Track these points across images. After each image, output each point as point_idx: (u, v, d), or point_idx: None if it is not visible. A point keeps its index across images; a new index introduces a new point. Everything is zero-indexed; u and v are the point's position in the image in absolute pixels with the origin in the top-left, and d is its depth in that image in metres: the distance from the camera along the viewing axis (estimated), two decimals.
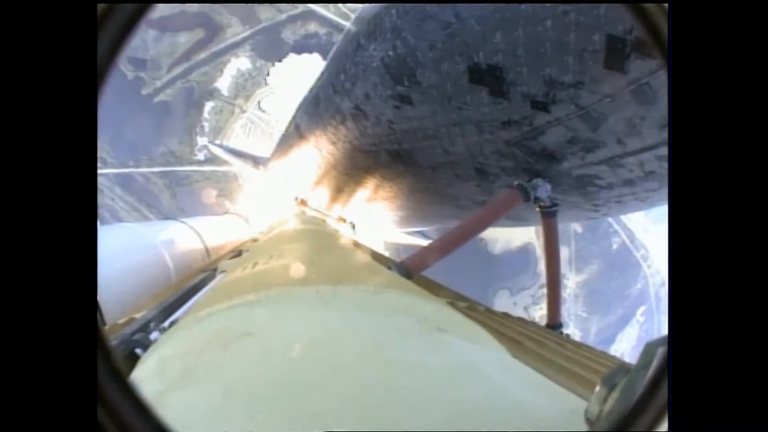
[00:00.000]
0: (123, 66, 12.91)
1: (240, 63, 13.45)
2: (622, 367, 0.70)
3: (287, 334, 1.17)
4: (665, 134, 3.16)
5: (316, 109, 6.14)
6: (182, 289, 2.44)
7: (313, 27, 13.28)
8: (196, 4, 12.82)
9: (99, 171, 13.14)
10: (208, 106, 13.65)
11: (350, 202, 8.08)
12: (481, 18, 3.24)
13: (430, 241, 5.20)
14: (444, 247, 3.90)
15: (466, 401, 0.86)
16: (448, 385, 0.92)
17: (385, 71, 4.17)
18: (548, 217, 4.43)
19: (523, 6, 2.98)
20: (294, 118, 7.49)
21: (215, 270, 2.97)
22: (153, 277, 4.20)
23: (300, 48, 13.29)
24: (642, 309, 15.32)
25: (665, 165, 3.45)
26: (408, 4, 3.61)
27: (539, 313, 14.35)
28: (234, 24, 13.21)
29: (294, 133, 7.62)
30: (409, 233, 11.76)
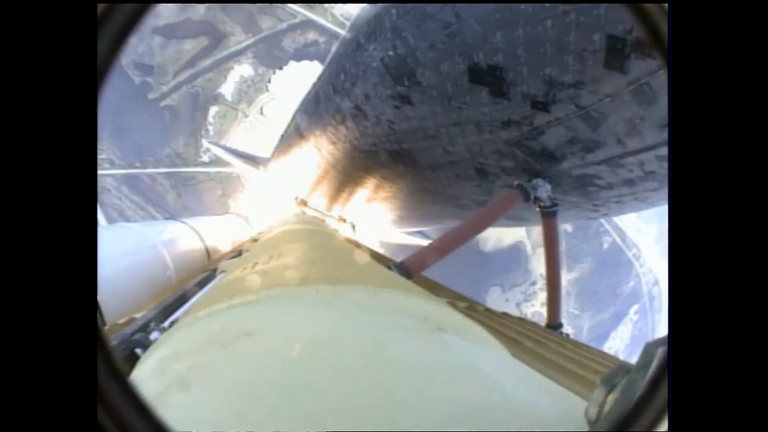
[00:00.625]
0: (130, 71, 13.17)
1: (243, 70, 13.77)
2: (622, 367, 0.70)
3: (287, 334, 1.17)
4: (665, 134, 3.16)
5: (316, 109, 6.14)
6: (182, 289, 2.44)
7: (312, 36, 13.50)
8: (200, 13, 13.05)
9: (107, 171, 13.41)
10: (213, 110, 14.01)
11: (350, 202, 8.08)
12: (481, 18, 3.24)
13: (430, 241, 5.20)
14: (444, 247, 3.90)
15: (466, 401, 0.86)
16: (448, 385, 0.92)
17: (385, 71, 4.17)
18: (548, 217, 4.44)
19: (523, 6, 2.98)
20: (294, 118, 7.49)
21: (215, 270, 2.97)
22: (153, 277, 4.20)
23: (300, 56, 13.55)
24: (635, 307, 15.42)
25: (665, 165, 3.45)
26: (408, 4, 3.61)
27: (531, 310, 14.56)
28: (237, 32, 13.48)
29: (294, 133, 7.62)
30: (409, 233, 11.76)
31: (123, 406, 0.56)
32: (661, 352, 0.65)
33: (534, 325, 3.42)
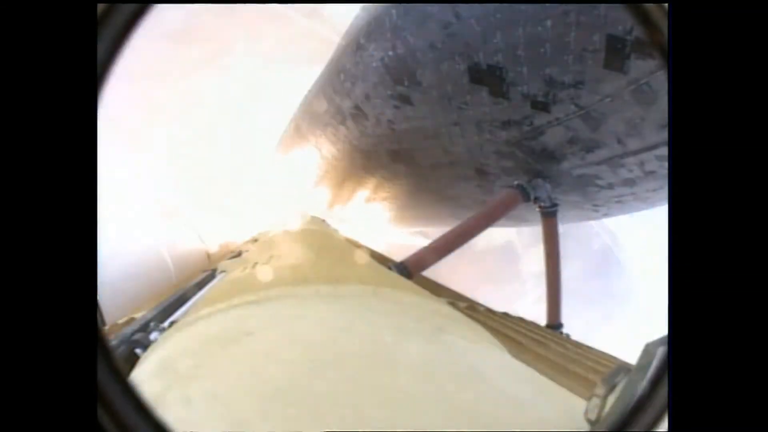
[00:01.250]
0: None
1: None
2: (622, 367, 0.70)
3: (287, 334, 1.17)
4: (665, 134, 3.16)
5: (316, 110, 6.14)
6: (182, 289, 2.44)
7: None
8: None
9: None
10: None
11: (350, 202, 8.07)
12: (481, 18, 3.24)
13: (430, 241, 5.19)
14: (444, 247, 3.90)
15: (466, 401, 0.86)
16: (448, 385, 0.92)
17: (385, 71, 4.17)
18: (548, 217, 4.44)
19: (523, 6, 2.98)
20: (294, 118, 7.49)
21: (215, 270, 2.97)
22: (153, 277, 4.20)
23: None
24: (627, 307, 15.50)
25: (665, 165, 3.45)
26: (408, 4, 3.61)
27: (520, 305, 14.70)
28: None
29: (294, 134, 7.62)
30: (409, 233, 11.75)
31: (123, 406, 0.56)
32: (661, 352, 0.65)
33: (534, 325, 3.42)
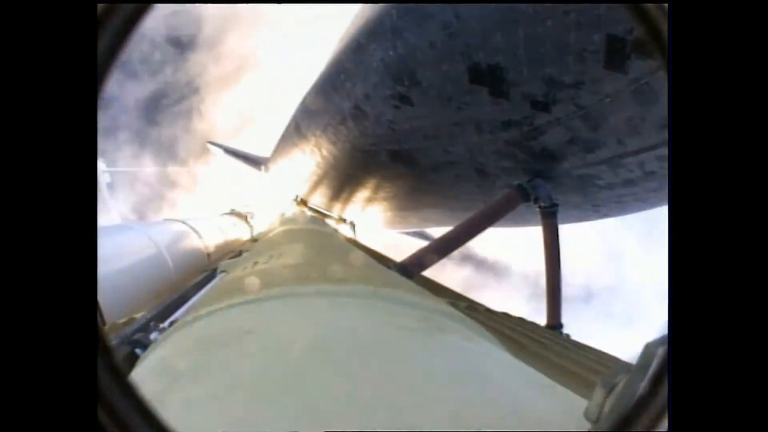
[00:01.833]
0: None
1: None
2: (622, 367, 0.70)
3: (287, 334, 1.17)
4: (665, 134, 3.15)
5: (316, 109, 6.14)
6: (182, 289, 2.44)
7: None
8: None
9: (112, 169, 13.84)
10: None
11: (350, 202, 8.08)
12: (481, 18, 3.24)
13: (430, 242, 5.19)
14: (444, 248, 3.91)
15: (466, 401, 0.86)
16: (448, 385, 0.92)
17: (385, 71, 4.17)
18: (548, 218, 4.43)
19: (523, 6, 2.98)
20: (294, 118, 7.49)
21: (215, 270, 2.97)
22: (153, 277, 4.19)
23: None
24: (621, 307, 15.61)
25: (665, 165, 3.44)
26: (408, 4, 3.61)
27: (514, 303, 15.01)
28: None
29: (294, 133, 7.62)
30: (409, 233, 11.76)
31: (123, 406, 0.56)
32: (661, 352, 0.65)
33: (534, 325, 3.42)
